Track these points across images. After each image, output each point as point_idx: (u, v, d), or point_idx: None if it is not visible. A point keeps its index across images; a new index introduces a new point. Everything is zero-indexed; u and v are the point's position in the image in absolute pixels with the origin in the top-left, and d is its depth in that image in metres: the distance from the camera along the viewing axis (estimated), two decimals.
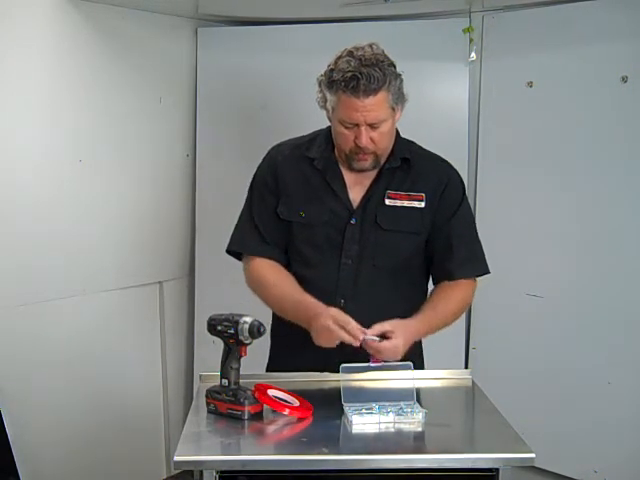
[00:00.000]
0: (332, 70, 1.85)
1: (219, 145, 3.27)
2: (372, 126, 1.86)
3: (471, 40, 2.93)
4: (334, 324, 1.79)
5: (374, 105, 1.83)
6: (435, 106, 2.97)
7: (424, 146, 2.07)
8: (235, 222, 2.10)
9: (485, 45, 2.94)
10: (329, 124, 2.02)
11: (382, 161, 1.95)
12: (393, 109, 1.88)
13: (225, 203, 3.19)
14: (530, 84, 2.86)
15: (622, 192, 2.71)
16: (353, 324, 1.80)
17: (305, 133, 2.10)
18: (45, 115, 2.75)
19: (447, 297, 1.99)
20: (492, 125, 2.98)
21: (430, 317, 1.94)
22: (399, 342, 1.80)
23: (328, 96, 1.88)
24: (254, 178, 2.08)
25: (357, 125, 1.85)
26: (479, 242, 2.06)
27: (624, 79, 2.66)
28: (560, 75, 2.81)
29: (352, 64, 1.81)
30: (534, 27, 2.85)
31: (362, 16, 3.01)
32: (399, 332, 1.81)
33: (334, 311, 1.82)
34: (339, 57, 1.86)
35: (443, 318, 1.97)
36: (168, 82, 3.19)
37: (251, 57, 3.16)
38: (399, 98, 1.89)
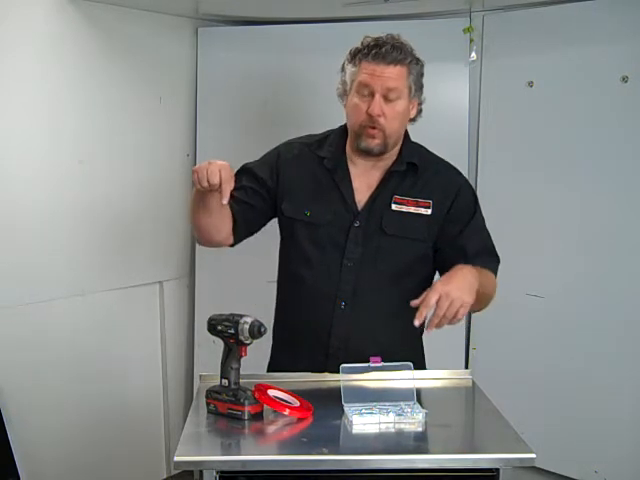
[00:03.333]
0: (357, 47, 1.91)
1: (219, 145, 3.26)
2: (387, 98, 1.88)
3: (471, 40, 2.93)
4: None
5: (393, 74, 1.87)
6: (435, 106, 2.93)
7: (424, 145, 2.07)
8: None
9: (485, 45, 2.94)
10: (331, 127, 2.01)
11: (390, 146, 1.94)
12: (410, 91, 1.92)
13: None
14: (530, 84, 2.86)
15: (622, 192, 2.71)
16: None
17: (305, 133, 2.10)
18: (45, 115, 2.75)
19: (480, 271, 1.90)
20: (492, 125, 2.98)
21: (471, 268, 1.83)
22: (445, 289, 1.71)
23: (349, 69, 1.92)
24: (256, 166, 2.06)
25: (372, 95, 1.87)
26: (494, 252, 2.04)
27: (624, 79, 2.66)
28: (560, 75, 2.81)
29: (378, 39, 1.89)
30: (534, 27, 2.85)
31: (362, 16, 3.01)
32: (439, 283, 1.74)
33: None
34: (364, 39, 1.92)
35: (485, 279, 1.88)
36: (168, 82, 3.19)
37: (251, 57, 3.16)
38: (417, 86, 1.94)
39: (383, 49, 1.86)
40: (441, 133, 2.84)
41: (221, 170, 1.76)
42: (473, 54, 2.94)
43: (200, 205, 1.92)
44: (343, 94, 1.96)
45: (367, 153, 1.94)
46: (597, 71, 2.72)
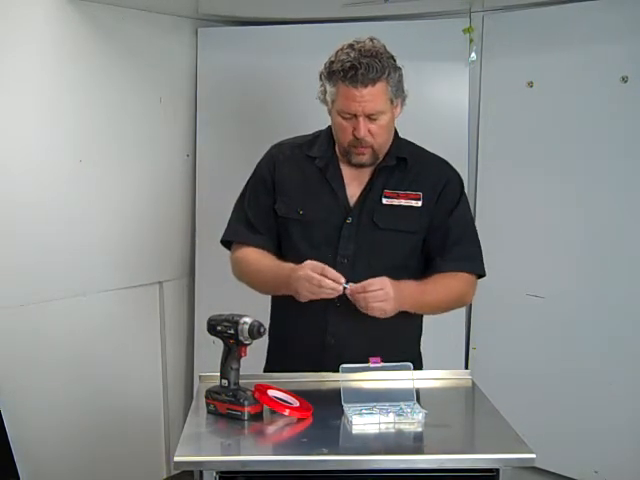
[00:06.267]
0: (332, 62, 1.87)
1: (219, 145, 3.27)
2: (370, 117, 1.87)
3: (471, 40, 2.93)
4: (312, 272, 1.81)
5: (372, 95, 1.84)
6: (435, 106, 2.97)
7: (424, 146, 2.07)
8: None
9: (485, 45, 2.94)
10: (330, 123, 2.02)
11: (380, 157, 1.96)
12: (392, 102, 1.89)
13: (225, 203, 3.19)
14: (530, 84, 2.86)
15: (622, 192, 2.71)
16: (331, 270, 1.82)
17: (305, 133, 2.11)
18: (45, 115, 2.75)
19: (439, 280, 1.98)
20: (492, 125, 2.98)
21: (422, 287, 1.94)
22: (388, 289, 1.82)
23: (328, 87, 1.90)
24: (253, 173, 2.10)
25: (355, 116, 1.86)
26: (477, 243, 2.05)
27: (624, 79, 2.66)
28: (560, 75, 2.80)
29: (351, 55, 1.84)
30: (534, 27, 2.85)
31: (362, 16, 3.01)
32: (386, 282, 1.83)
33: (310, 262, 1.85)
34: (339, 50, 1.88)
35: (434, 294, 1.97)
36: (168, 82, 3.19)
37: (251, 57, 3.16)
38: (398, 91, 1.90)
39: (359, 72, 1.81)
40: (441, 133, 2.85)
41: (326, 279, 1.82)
42: (473, 54, 2.93)
43: (268, 286, 2.00)
44: (324, 103, 1.96)
45: (359, 166, 1.97)
46: (597, 71, 2.72)
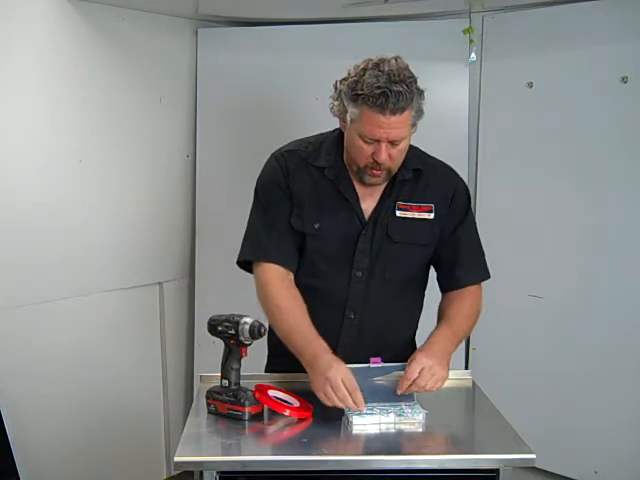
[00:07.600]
0: (357, 82, 1.78)
1: (219, 145, 3.27)
2: (392, 143, 1.82)
3: (471, 41, 2.93)
4: (344, 386, 1.69)
5: (399, 123, 1.79)
6: (435, 106, 2.91)
7: (424, 146, 2.06)
8: (237, 227, 2.03)
9: (485, 46, 2.94)
10: (331, 127, 1.99)
11: (393, 174, 1.92)
12: (413, 125, 1.85)
13: (225, 204, 3.21)
14: (530, 84, 2.86)
15: (622, 192, 2.71)
16: (359, 394, 1.69)
17: (305, 134, 2.07)
18: (45, 115, 2.75)
19: (460, 308, 1.95)
20: (492, 125, 2.98)
21: (452, 330, 1.89)
22: (427, 363, 1.75)
23: (350, 108, 1.81)
24: (262, 184, 1.99)
25: (377, 141, 1.81)
26: (482, 249, 2.05)
27: (624, 79, 2.66)
28: (560, 75, 2.81)
29: (381, 80, 1.75)
30: (534, 27, 2.85)
31: (362, 17, 3.01)
32: (422, 360, 1.76)
33: (344, 371, 1.71)
34: (364, 69, 1.79)
35: (462, 329, 1.94)
36: (168, 82, 3.19)
37: (251, 57, 3.16)
38: (420, 114, 1.85)
39: (390, 101, 1.73)
40: (441, 133, 2.84)
41: (350, 393, 1.69)
42: (473, 54, 2.94)
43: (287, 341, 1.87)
44: (339, 117, 1.89)
45: (371, 185, 1.92)
46: (597, 71, 2.72)
